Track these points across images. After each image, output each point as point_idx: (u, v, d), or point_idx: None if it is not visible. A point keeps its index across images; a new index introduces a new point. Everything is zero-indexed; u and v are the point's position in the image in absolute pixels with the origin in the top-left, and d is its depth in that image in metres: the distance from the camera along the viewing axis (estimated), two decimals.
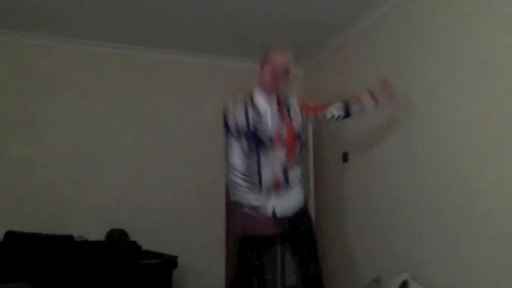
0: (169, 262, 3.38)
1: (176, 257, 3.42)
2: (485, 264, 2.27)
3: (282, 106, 2.38)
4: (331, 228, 3.88)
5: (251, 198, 2.26)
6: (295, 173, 2.38)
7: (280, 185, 2.32)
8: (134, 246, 3.58)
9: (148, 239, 3.74)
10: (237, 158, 2.30)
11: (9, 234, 3.28)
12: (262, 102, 2.36)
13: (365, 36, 3.51)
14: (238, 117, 2.32)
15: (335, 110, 2.47)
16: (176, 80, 4.27)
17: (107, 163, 3.94)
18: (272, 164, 2.29)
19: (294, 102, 2.44)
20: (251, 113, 2.32)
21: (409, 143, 2.93)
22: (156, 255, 3.47)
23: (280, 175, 2.31)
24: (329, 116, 2.48)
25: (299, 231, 2.39)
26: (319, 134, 4.10)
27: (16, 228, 3.37)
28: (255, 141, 2.29)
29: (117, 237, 3.55)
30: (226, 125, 2.37)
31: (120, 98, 4.07)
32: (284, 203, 2.35)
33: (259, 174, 2.29)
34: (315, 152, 3.92)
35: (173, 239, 3.91)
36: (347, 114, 2.48)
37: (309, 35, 3.84)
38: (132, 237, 3.66)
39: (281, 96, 2.43)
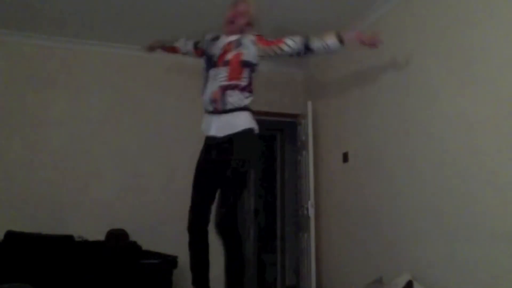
0: (169, 262, 3.38)
1: (176, 257, 3.42)
2: (484, 264, 2.27)
3: (235, 41, 2.49)
4: (331, 228, 3.88)
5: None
6: (235, 96, 2.38)
7: (217, 103, 2.37)
8: (134, 246, 3.58)
9: (148, 239, 3.73)
10: (179, 42, 2.91)
11: (9, 234, 3.28)
12: (223, 36, 2.55)
13: None
14: (205, 41, 2.66)
15: (292, 42, 2.44)
16: (176, 80, 4.27)
17: (107, 163, 3.94)
18: (213, 81, 2.40)
19: (252, 35, 2.52)
20: (211, 42, 2.58)
21: (409, 143, 2.92)
22: (156, 255, 3.47)
23: (218, 93, 2.37)
24: (285, 48, 2.45)
25: (222, 161, 2.36)
26: (319, 134, 4.10)
27: (16, 228, 3.37)
28: (207, 62, 2.51)
29: (117, 237, 3.55)
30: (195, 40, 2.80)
31: (119, 98, 4.07)
32: (219, 122, 2.38)
33: (204, 91, 2.43)
34: (315, 152, 3.92)
35: (173, 239, 3.90)
36: (309, 49, 2.43)
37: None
38: (132, 237, 3.66)
39: (242, 35, 2.53)
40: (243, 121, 2.37)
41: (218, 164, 2.39)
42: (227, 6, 2.57)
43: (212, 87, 2.38)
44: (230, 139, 2.33)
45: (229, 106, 2.36)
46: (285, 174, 5.51)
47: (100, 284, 3.12)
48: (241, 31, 2.51)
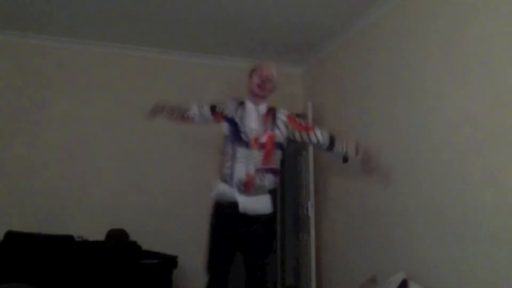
0: (169, 262, 3.38)
1: (176, 257, 3.42)
2: (484, 264, 2.27)
3: (269, 115, 2.50)
4: (331, 228, 3.88)
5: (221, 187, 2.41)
6: (267, 180, 2.41)
7: (251, 185, 2.35)
8: (134, 246, 3.58)
9: (148, 239, 3.74)
10: (192, 110, 2.61)
11: (9, 234, 3.28)
12: (250, 105, 2.51)
13: (365, 36, 3.52)
14: (229, 108, 2.51)
15: (321, 135, 2.54)
16: (176, 80, 4.27)
17: (107, 163, 3.94)
18: (247, 162, 2.36)
19: (283, 114, 2.55)
20: (239, 111, 2.49)
21: (409, 143, 2.93)
22: (156, 255, 3.47)
23: (253, 175, 2.35)
24: (313, 139, 2.55)
25: (254, 237, 2.40)
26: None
27: (16, 228, 3.37)
28: (235, 135, 2.41)
29: (117, 237, 3.55)
30: (210, 103, 2.60)
31: (120, 98, 4.07)
32: (250, 202, 2.36)
33: (232, 169, 2.37)
34: (315, 152, 3.92)
35: (173, 239, 3.91)
36: (331, 147, 2.56)
37: (309, 35, 3.84)
38: (132, 237, 3.66)
39: (271, 107, 2.56)
40: (269, 204, 2.44)
41: (248, 239, 2.40)
42: (251, 70, 2.57)
43: (246, 168, 2.35)
44: (257, 217, 2.39)
45: (259, 190, 2.38)
46: (285, 174, 5.50)
47: (100, 284, 3.12)
48: (266, 96, 2.53)
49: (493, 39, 2.32)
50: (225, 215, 2.40)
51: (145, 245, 3.63)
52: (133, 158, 4.02)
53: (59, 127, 3.86)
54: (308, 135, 2.53)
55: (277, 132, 2.46)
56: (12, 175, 3.67)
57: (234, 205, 2.35)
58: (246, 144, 2.38)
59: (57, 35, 3.83)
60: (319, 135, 2.53)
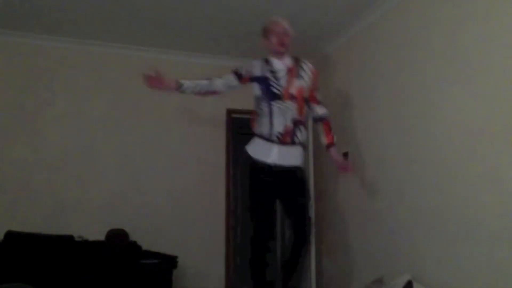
0: (169, 262, 3.38)
1: (176, 257, 3.42)
2: (485, 264, 2.27)
3: (296, 66, 2.64)
4: (331, 228, 3.88)
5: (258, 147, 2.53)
6: (302, 132, 2.59)
7: (288, 137, 2.51)
8: (134, 246, 3.58)
9: (148, 239, 3.74)
10: (218, 83, 2.66)
11: (9, 234, 3.28)
12: (276, 61, 2.63)
13: (365, 36, 3.52)
14: (255, 69, 2.62)
15: (319, 112, 2.76)
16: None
17: (107, 163, 3.94)
18: (283, 115, 2.50)
19: (308, 67, 2.69)
20: (266, 69, 2.60)
21: (409, 143, 2.92)
22: (156, 255, 3.47)
23: (291, 127, 2.51)
24: (313, 112, 2.76)
25: (292, 188, 2.56)
26: (319, 134, 4.09)
27: (16, 228, 3.37)
28: (267, 88, 2.54)
29: (117, 237, 3.55)
30: (234, 70, 2.69)
31: (120, 98, 4.07)
32: (285, 152, 2.52)
33: (271, 120, 2.50)
34: (315, 152, 3.92)
35: (173, 239, 3.91)
36: (318, 119, 2.77)
37: (309, 35, 3.84)
38: (132, 237, 3.66)
39: (296, 59, 2.69)
40: (301, 156, 2.61)
41: (287, 187, 2.55)
42: (264, 31, 2.67)
43: (284, 121, 2.50)
44: (293, 169, 2.56)
45: (296, 140, 2.55)
46: None
47: (100, 284, 3.12)
48: (288, 50, 2.65)
49: (493, 38, 2.32)
50: (261, 169, 2.52)
51: (145, 245, 3.63)
52: (133, 158, 4.02)
53: (59, 127, 3.85)
54: (312, 106, 2.70)
55: (302, 83, 2.61)
56: (12, 175, 3.67)
57: (264, 161, 2.50)
58: (280, 97, 2.51)
59: (57, 35, 3.83)
60: (318, 110, 2.73)
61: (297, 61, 2.67)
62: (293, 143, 2.53)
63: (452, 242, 2.51)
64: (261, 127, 2.54)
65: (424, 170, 2.77)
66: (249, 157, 2.56)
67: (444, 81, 2.64)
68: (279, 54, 2.63)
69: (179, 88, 2.64)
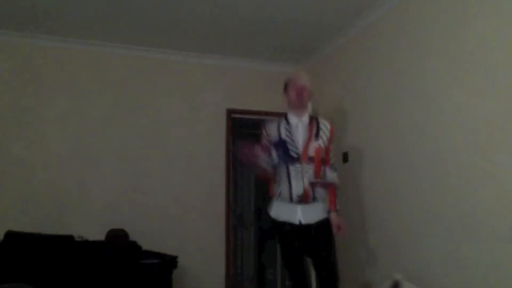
0: (169, 262, 3.38)
1: (176, 257, 3.42)
2: (485, 264, 2.27)
3: (313, 125, 2.66)
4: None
5: (280, 210, 2.60)
6: (320, 191, 2.61)
7: (308, 198, 2.55)
8: (134, 246, 3.58)
9: (148, 239, 3.74)
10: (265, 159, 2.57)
11: (9, 234, 3.28)
12: (293, 117, 2.65)
13: (364, 36, 3.52)
14: (270, 130, 2.64)
15: (328, 175, 2.70)
16: (176, 80, 4.27)
17: (107, 163, 3.94)
18: (301, 177, 2.54)
19: (326, 127, 2.69)
20: (283, 127, 2.63)
21: (409, 143, 2.93)
22: (156, 255, 3.47)
23: (309, 189, 2.55)
24: (328, 170, 2.71)
25: (319, 245, 2.61)
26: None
27: (16, 228, 3.36)
28: (285, 152, 2.56)
29: (117, 237, 3.55)
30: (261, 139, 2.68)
31: (120, 98, 4.07)
32: (309, 212, 2.57)
33: (290, 184, 2.54)
34: None
35: (173, 239, 3.91)
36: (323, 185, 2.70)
37: (308, 35, 3.84)
38: (132, 237, 3.66)
39: (314, 117, 2.73)
40: (324, 210, 2.64)
41: (313, 242, 2.60)
42: (285, 85, 2.71)
43: (302, 183, 2.53)
44: (319, 224, 2.60)
45: (315, 200, 2.58)
46: None
47: (100, 284, 3.12)
48: (306, 106, 2.70)
49: (493, 38, 2.32)
50: (286, 230, 2.59)
51: (145, 245, 3.63)
52: (133, 158, 4.02)
53: (59, 127, 3.85)
54: (324, 168, 2.67)
55: (320, 143, 2.61)
56: (12, 175, 3.67)
57: (291, 222, 2.57)
58: (298, 159, 2.54)
59: (57, 35, 3.83)
60: (328, 174, 2.68)
61: (315, 120, 2.70)
62: (314, 200, 2.59)
63: (452, 241, 2.51)
64: (280, 190, 2.59)
65: (423, 169, 2.77)
66: (273, 221, 2.63)
67: (443, 81, 2.64)
68: (297, 110, 2.65)
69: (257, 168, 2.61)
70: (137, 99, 4.11)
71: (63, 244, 3.38)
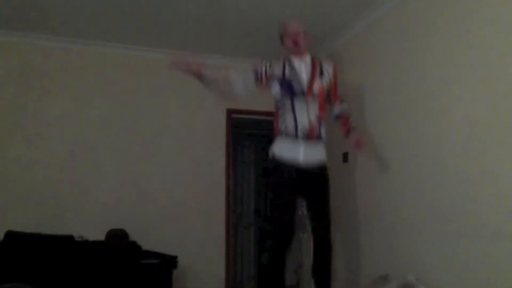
0: (169, 262, 3.38)
1: (176, 257, 3.42)
2: (486, 264, 2.27)
3: (315, 65, 2.72)
4: (331, 227, 3.87)
5: (283, 147, 2.60)
6: (324, 128, 2.68)
7: (314, 133, 2.60)
8: (134, 246, 3.58)
9: (148, 239, 3.74)
10: (236, 87, 2.65)
11: (9, 234, 3.28)
12: (297, 61, 2.70)
13: (367, 35, 3.51)
14: (275, 69, 2.67)
15: (337, 110, 2.89)
16: (176, 80, 4.25)
17: (107, 163, 3.94)
18: (307, 111, 2.59)
19: (329, 68, 2.79)
20: (287, 68, 2.67)
21: (409, 143, 2.92)
22: (156, 255, 3.47)
23: (315, 122, 2.60)
24: (332, 111, 2.88)
25: (316, 189, 2.66)
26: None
27: (16, 228, 3.37)
28: (290, 91, 2.60)
29: (117, 237, 3.55)
30: (254, 70, 2.70)
31: (120, 98, 4.07)
32: (311, 151, 2.61)
33: (295, 120, 2.57)
34: None
35: (173, 239, 3.91)
36: (336, 119, 2.91)
37: (312, 33, 3.76)
38: (132, 237, 3.66)
39: (317, 59, 2.79)
40: (324, 153, 2.71)
41: (310, 184, 2.64)
42: (280, 36, 2.77)
43: (308, 117, 2.58)
44: (319, 168, 2.66)
45: (321, 135, 2.65)
46: None
47: (100, 284, 3.12)
48: (305, 49, 2.73)
49: (494, 38, 2.32)
50: (286, 168, 2.58)
51: (145, 245, 3.63)
52: (133, 158, 4.02)
53: (59, 127, 3.85)
54: (332, 106, 2.82)
55: (325, 84, 2.70)
56: (12, 175, 3.67)
57: (293, 160, 2.57)
58: (302, 94, 2.60)
59: (57, 35, 3.83)
60: (339, 107, 2.86)
61: (317, 60, 2.76)
62: (318, 138, 2.62)
63: (453, 241, 2.50)
64: (285, 123, 2.60)
65: (424, 170, 2.77)
66: (274, 156, 2.64)
67: (446, 78, 2.64)
68: (298, 54, 2.70)
69: (201, 73, 2.62)
70: (137, 99, 4.11)
71: (63, 244, 3.38)
